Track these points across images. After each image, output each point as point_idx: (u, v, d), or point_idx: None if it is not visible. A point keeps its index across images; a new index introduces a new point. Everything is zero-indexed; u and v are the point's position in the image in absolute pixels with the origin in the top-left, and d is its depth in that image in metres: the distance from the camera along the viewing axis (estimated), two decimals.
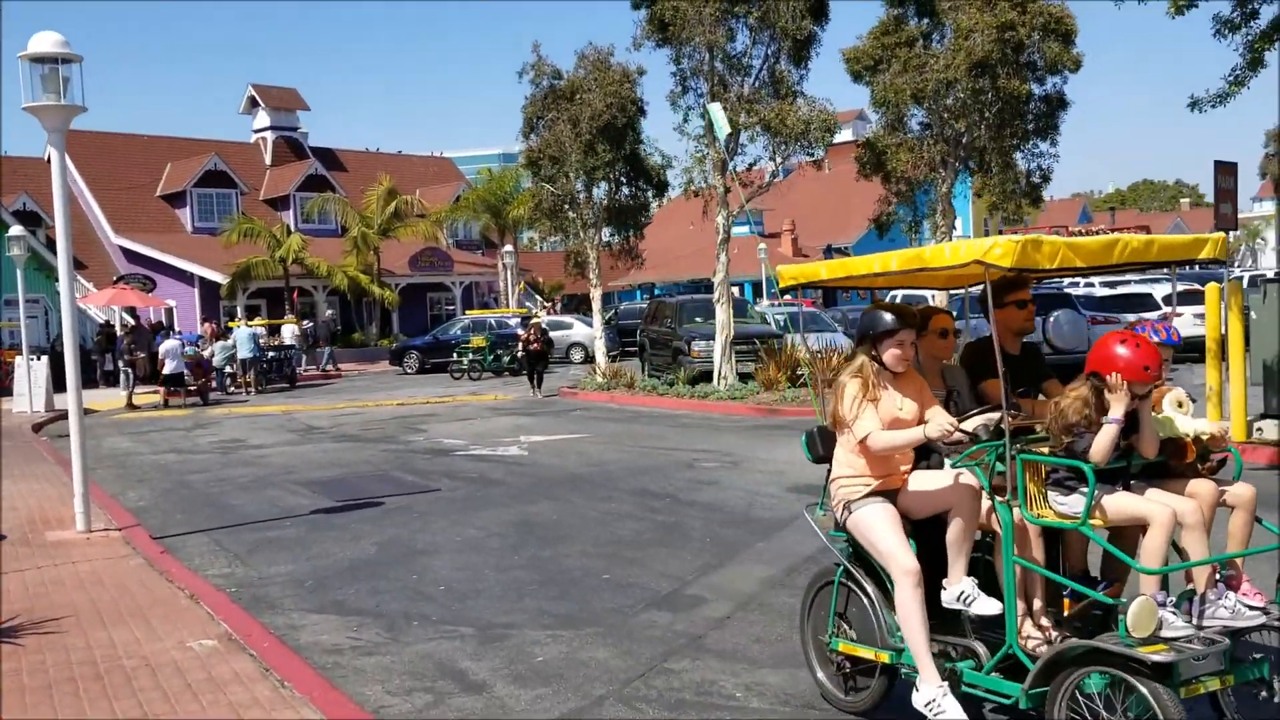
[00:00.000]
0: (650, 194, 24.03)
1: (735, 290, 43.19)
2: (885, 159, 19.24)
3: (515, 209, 42.07)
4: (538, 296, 53.20)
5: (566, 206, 24.45)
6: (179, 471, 14.12)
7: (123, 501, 11.68)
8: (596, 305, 24.73)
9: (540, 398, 22.20)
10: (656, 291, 53.15)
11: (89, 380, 28.99)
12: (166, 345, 24.50)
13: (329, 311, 37.79)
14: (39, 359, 23.81)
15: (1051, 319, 20.31)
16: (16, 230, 23.44)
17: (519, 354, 23.30)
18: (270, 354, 29.37)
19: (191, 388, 25.48)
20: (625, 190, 24.07)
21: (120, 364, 26.89)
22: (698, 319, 23.02)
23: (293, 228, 39.13)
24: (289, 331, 33.25)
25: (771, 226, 56.65)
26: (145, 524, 10.15)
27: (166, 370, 24.12)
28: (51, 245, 30.76)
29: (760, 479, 11.39)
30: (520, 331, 33.72)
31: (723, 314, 19.85)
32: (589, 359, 34.51)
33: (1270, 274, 35.24)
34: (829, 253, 55.35)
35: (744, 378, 20.21)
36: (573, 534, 9.05)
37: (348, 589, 7.60)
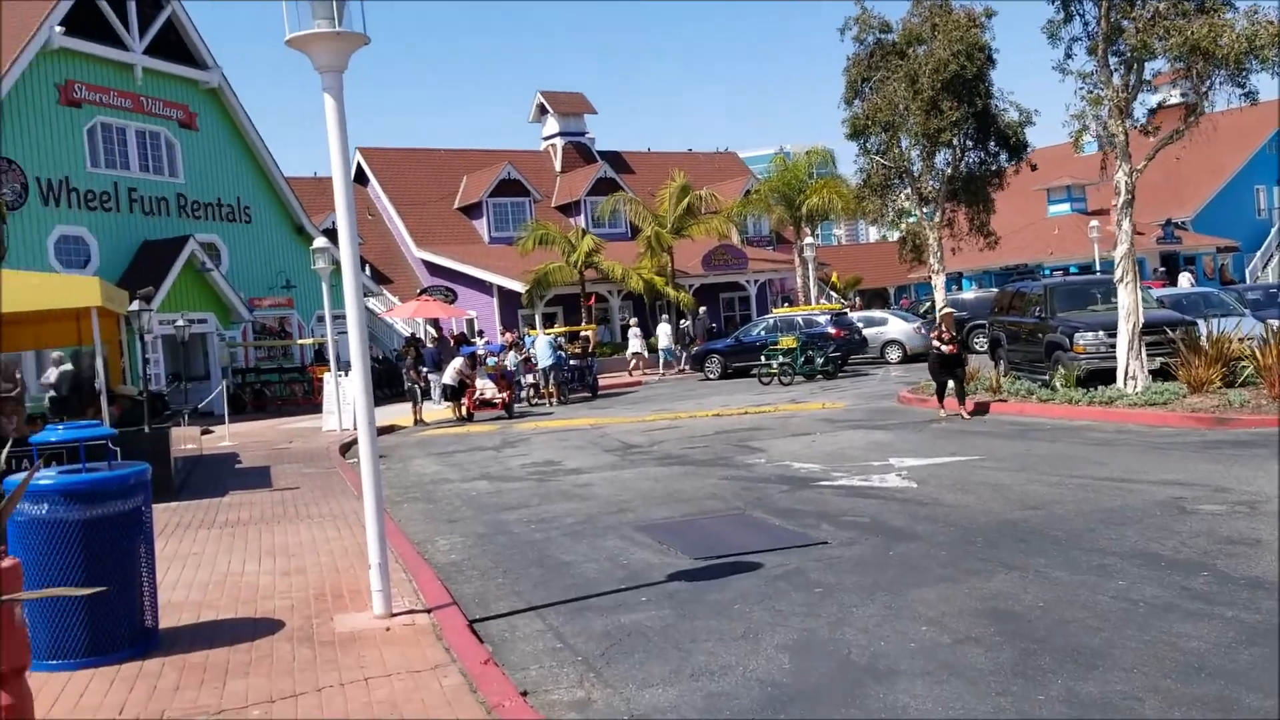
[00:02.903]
0: (1004, 157, 20.04)
1: (1060, 275, 37.83)
2: None
3: (810, 197, 38.77)
4: (832, 293, 49.65)
5: (899, 180, 20.94)
6: (493, 507, 11.85)
7: (431, 554, 9.39)
8: (940, 294, 20.98)
9: (967, 417, 16.49)
10: (965, 283, 48.26)
11: (397, 394, 28.30)
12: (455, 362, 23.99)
13: (702, 309, 36.18)
14: (347, 375, 22.67)
15: None
16: (321, 242, 22.64)
17: (934, 355, 17.05)
18: (571, 362, 27.94)
19: (496, 401, 24.28)
20: (972, 155, 20.25)
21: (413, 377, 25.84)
22: (1075, 305, 18.77)
23: (585, 231, 37.78)
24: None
25: (1095, 203, 50.20)
26: (460, 595, 7.69)
27: (445, 381, 23.77)
28: (363, 261, 30.50)
29: None
30: (831, 330, 30.39)
31: (1129, 297, 15.59)
32: (909, 358, 30.74)
33: None
34: (1167, 228, 48.29)
35: (1155, 376, 15.92)
36: (1101, 641, 5.63)
37: None
